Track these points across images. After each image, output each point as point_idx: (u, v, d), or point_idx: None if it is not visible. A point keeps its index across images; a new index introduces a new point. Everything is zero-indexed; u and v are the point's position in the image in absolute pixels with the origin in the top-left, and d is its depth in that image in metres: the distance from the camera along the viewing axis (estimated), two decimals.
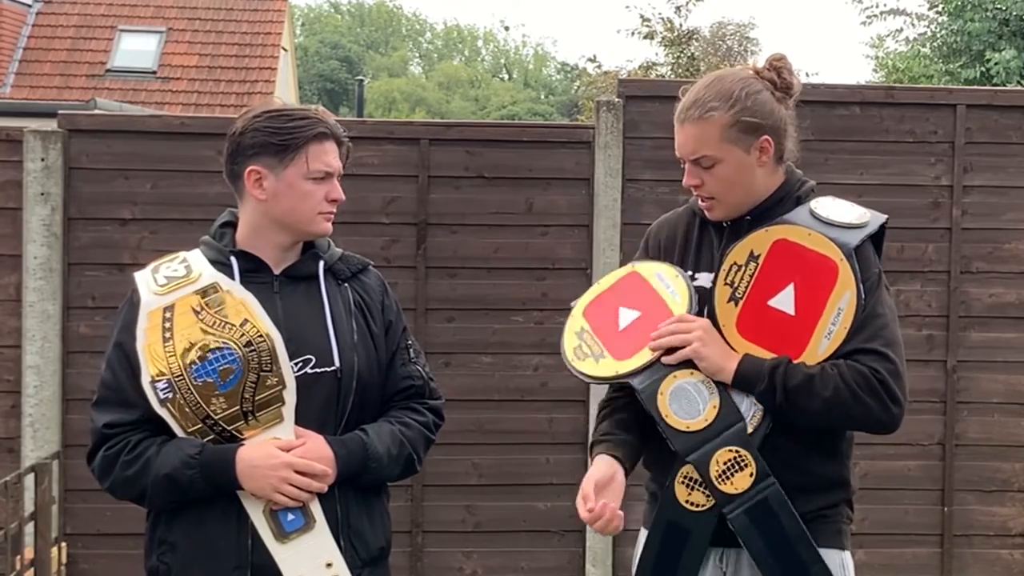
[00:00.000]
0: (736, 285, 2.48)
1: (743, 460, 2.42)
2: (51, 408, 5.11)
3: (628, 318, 2.57)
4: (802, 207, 2.53)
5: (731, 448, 2.43)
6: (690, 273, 2.59)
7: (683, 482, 2.45)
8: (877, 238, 2.54)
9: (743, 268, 2.48)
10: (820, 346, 2.43)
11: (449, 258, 5.29)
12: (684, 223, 2.67)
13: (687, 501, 2.45)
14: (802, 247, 2.46)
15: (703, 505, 2.44)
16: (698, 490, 2.44)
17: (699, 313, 2.52)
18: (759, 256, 2.48)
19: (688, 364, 2.47)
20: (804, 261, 2.45)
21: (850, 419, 2.47)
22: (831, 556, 2.51)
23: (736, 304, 2.48)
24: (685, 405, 2.46)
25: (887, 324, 2.46)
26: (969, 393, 5.36)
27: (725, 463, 2.43)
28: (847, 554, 2.56)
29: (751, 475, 2.42)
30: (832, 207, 2.53)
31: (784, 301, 2.45)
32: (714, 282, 2.52)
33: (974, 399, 5.37)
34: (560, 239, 5.29)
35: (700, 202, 2.58)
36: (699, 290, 2.55)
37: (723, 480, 2.42)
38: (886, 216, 2.56)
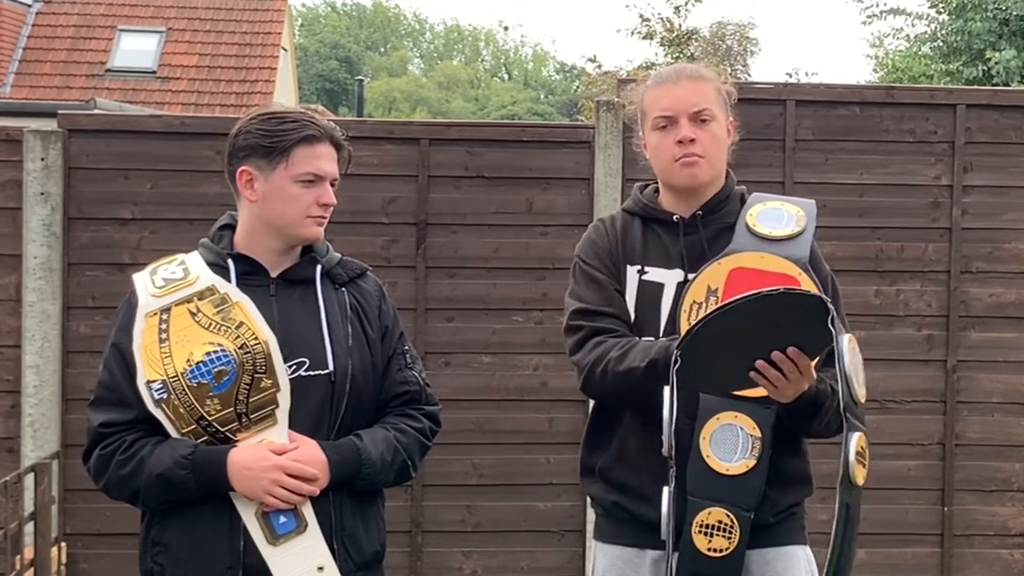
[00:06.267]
0: None
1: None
2: (51, 408, 5.11)
3: None
4: (740, 227, 2.55)
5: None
6: (639, 267, 2.59)
7: (700, 531, 2.41)
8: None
9: (704, 304, 2.47)
10: None
11: (449, 258, 5.29)
12: (621, 221, 2.70)
13: (709, 549, 2.40)
14: (758, 270, 2.47)
15: (726, 549, 2.40)
16: (718, 535, 2.40)
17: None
18: (717, 289, 2.48)
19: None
20: (765, 281, 2.43)
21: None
22: (798, 552, 2.57)
23: None
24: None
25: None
26: (969, 393, 5.36)
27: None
28: (809, 548, 2.62)
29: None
30: (767, 219, 2.55)
31: None
32: (679, 301, 2.51)
33: (974, 399, 5.36)
34: (560, 239, 5.28)
35: (686, 162, 2.57)
36: (651, 285, 2.56)
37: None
38: (813, 202, 2.62)
